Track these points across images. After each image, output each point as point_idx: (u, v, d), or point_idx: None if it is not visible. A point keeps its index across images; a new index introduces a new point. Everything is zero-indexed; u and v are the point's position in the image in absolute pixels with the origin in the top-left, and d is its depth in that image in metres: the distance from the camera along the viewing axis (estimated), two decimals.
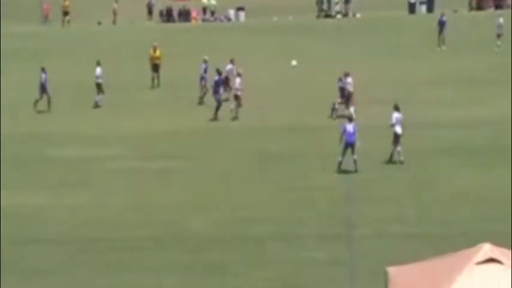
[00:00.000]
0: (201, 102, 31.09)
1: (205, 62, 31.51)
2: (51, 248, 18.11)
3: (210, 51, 42.87)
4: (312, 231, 18.39)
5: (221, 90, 28.65)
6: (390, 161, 22.93)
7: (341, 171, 22.30)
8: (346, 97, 28.34)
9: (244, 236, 18.45)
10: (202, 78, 31.27)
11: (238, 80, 28.86)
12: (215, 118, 28.31)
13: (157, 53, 33.89)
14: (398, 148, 22.85)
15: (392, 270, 12.62)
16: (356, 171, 22.22)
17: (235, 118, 28.58)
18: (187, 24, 54.86)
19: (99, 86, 31.27)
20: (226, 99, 29.73)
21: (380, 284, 13.07)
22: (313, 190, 21.17)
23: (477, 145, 24.57)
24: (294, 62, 28.40)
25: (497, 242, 12.31)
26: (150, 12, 56.57)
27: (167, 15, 56.35)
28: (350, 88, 28.26)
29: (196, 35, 48.49)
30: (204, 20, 56.24)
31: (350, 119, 22.87)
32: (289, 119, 28.45)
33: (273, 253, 17.43)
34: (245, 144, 26.01)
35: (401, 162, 22.83)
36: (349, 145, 22.29)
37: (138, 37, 47.28)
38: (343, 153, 22.32)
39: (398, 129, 22.77)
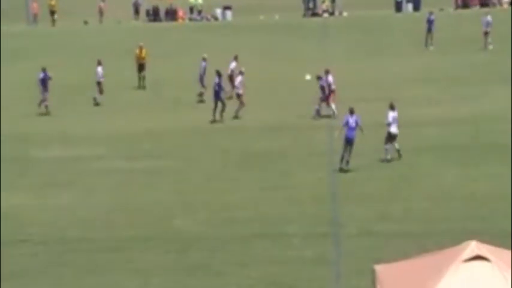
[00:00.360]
0: (201, 100, 30.93)
1: (204, 60, 31.41)
2: (37, 249, 18.01)
3: (197, 50, 42.78)
4: (298, 230, 18.36)
5: (222, 92, 28.02)
6: (399, 157, 22.75)
7: (341, 169, 22.06)
8: (327, 95, 28.23)
9: (230, 235, 18.41)
10: (201, 76, 31.11)
11: (239, 78, 28.65)
12: (221, 119, 27.75)
13: (143, 53, 33.82)
14: (387, 146, 22.78)
15: (379, 268, 12.60)
16: (347, 170, 22.02)
17: (236, 117, 28.24)
18: (174, 23, 54.74)
19: (99, 85, 31.19)
20: (231, 97, 29.39)
21: (366, 282, 13.05)
22: (299, 189, 21.13)
23: (462, 143, 24.60)
24: (308, 77, 28.23)
25: (483, 240, 12.31)
26: (136, 11, 56.42)
27: (154, 15, 56.22)
28: (331, 86, 28.14)
29: (183, 34, 48.41)
30: (190, 19, 56.14)
31: (351, 111, 22.23)
32: (274, 118, 28.39)
33: (258, 252, 17.39)
34: (230, 143, 25.95)
35: (388, 161, 22.82)
36: (349, 141, 21.88)
37: (124, 36, 47.16)
38: (345, 149, 21.98)
39: (393, 129, 22.68)
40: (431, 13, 41.12)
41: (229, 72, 30.60)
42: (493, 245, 12.34)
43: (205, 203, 20.49)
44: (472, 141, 24.70)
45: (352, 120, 21.97)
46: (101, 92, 31.38)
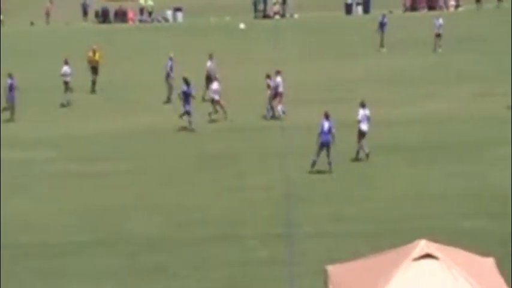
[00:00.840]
0: (168, 100, 30.93)
1: (170, 59, 31.46)
2: None
3: (148, 52, 42.70)
4: (253, 232, 18.44)
5: (190, 100, 27.34)
6: (356, 158, 23.06)
7: (314, 171, 22.09)
8: (275, 96, 28.38)
9: (186, 237, 18.40)
10: (168, 76, 31.15)
11: (215, 84, 28.40)
12: (190, 126, 27.18)
13: (97, 56, 33.58)
14: (362, 143, 22.99)
15: (331, 268, 12.78)
16: (331, 172, 22.04)
17: (212, 120, 28.07)
18: (124, 25, 54.41)
19: (66, 85, 30.91)
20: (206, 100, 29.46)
21: (320, 282, 13.23)
22: (254, 190, 21.23)
23: (413, 143, 25.02)
24: (242, 25, 28.46)
25: (433, 238, 12.62)
26: (85, 13, 55.87)
27: (103, 16, 55.76)
28: (279, 88, 28.30)
29: (134, 36, 48.20)
30: (141, 21, 55.85)
31: (327, 116, 22.15)
32: (227, 119, 28.46)
33: (214, 254, 17.42)
34: (185, 145, 25.97)
35: (367, 155, 22.93)
36: (324, 145, 21.94)
37: (73, 38, 46.74)
38: (318, 153, 21.99)
39: (363, 126, 22.94)
40: (384, 16, 41.69)
41: (206, 72, 30.67)
42: (443, 243, 12.67)
43: (161, 206, 20.44)
44: (422, 141, 25.16)
45: (326, 125, 21.96)
46: (68, 91, 31.07)
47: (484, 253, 13.21)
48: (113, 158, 24.78)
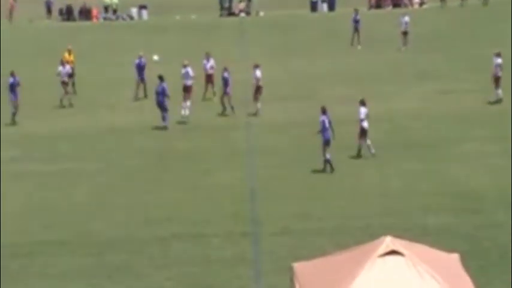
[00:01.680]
0: (138, 98, 30.81)
1: (140, 57, 31.14)
2: None
3: (114, 50, 42.37)
4: (218, 230, 18.36)
5: (165, 97, 27.04)
6: (358, 155, 22.94)
7: (322, 170, 21.76)
8: (254, 91, 28.28)
9: (150, 236, 18.26)
10: (139, 73, 31.04)
11: (186, 69, 27.99)
12: (165, 126, 27.07)
13: (72, 56, 33.23)
14: (368, 142, 22.91)
15: (297, 266, 12.75)
16: (332, 170, 21.77)
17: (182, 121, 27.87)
18: (88, 23, 53.93)
19: (65, 85, 30.46)
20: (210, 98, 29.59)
21: (286, 280, 13.18)
22: (219, 188, 21.13)
23: (379, 140, 25.05)
24: (155, 57, 28.46)
25: (398, 234, 12.64)
26: (49, 10, 55.26)
27: (67, 14, 55.23)
28: (259, 82, 28.13)
29: (99, 34, 47.80)
30: (105, 19, 55.41)
31: (324, 111, 21.70)
32: (195, 117, 28.30)
33: (178, 253, 17.31)
34: (149, 143, 25.78)
35: (373, 155, 22.80)
36: (327, 142, 21.50)
37: (37, 36, 46.22)
38: (325, 150, 21.57)
39: (365, 124, 22.83)
40: (357, 13, 41.74)
41: (208, 72, 30.34)
42: (408, 239, 12.69)
43: (124, 205, 20.27)
44: (387, 139, 25.21)
45: (326, 121, 21.63)
46: (68, 92, 30.55)
47: (448, 249, 13.27)
48: (77, 157, 24.51)
